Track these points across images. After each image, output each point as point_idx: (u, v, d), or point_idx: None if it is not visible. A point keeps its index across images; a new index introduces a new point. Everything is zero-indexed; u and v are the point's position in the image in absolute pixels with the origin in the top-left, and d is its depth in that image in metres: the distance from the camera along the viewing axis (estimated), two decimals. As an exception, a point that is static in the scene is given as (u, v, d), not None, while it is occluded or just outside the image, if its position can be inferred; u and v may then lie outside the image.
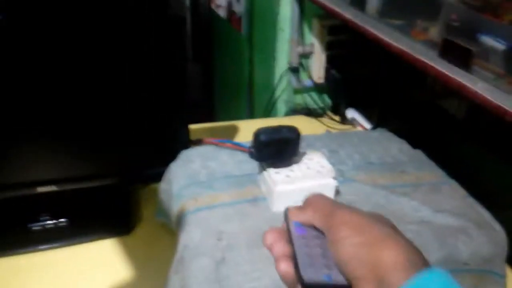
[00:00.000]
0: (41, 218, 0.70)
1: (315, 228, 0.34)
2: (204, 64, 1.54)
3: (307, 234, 0.34)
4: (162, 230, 0.71)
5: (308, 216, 0.34)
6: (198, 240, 0.50)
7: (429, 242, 0.51)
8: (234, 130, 0.98)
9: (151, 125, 0.69)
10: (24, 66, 0.59)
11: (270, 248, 0.35)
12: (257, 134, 0.52)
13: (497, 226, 0.55)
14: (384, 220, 0.32)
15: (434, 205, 0.56)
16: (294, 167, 0.55)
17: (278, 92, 1.15)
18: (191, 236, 0.51)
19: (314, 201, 0.35)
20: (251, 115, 1.23)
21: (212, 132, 0.98)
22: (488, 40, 0.46)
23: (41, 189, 0.68)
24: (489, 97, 0.43)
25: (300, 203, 0.54)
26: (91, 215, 0.72)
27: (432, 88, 0.84)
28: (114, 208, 0.74)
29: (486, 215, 0.56)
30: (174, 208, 0.58)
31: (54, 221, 0.70)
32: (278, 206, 0.54)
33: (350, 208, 0.33)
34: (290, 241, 0.34)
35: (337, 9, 0.73)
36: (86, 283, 0.63)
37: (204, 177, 0.61)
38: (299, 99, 1.13)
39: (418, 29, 0.59)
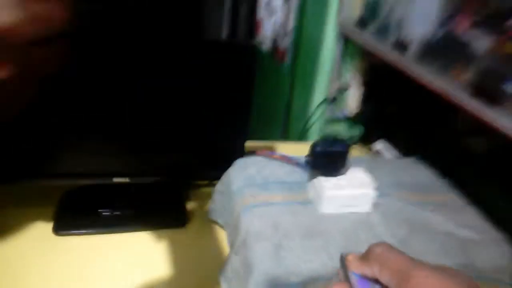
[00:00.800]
0: (111, 206, 0.81)
1: (378, 283, 0.30)
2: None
3: None
4: (213, 227, 0.81)
5: (373, 270, 0.31)
6: (259, 228, 0.60)
7: (453, 250, 0.60)
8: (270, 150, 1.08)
9: (216, 139, 0.80)
10: (118, 82, 0.72)
11: None
12: (314, 145, 0.63)
13: (509, 245, 0.64)
14: (471, 283, 0.28)
15: (458, 221, 0.65)
16: (340, 177, 0.66)
17: (313, 120, 1.26)
18: (253, 224, 0.61)
19: (381, 253, 0.31)
20: (285, 138, 1.34)
21: (251, 149, 1.10)
22: (512, 86, 0.57)
23: (116, 180, 0.79)
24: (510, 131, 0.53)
25: (344, 208, 0.64)
26: (153, 208, 0.83)
27: (457, 127, 0.94)
28: (173, 204, 0.85)
29: (500, 235, 0.65)
30: (234, 204, 0.69)
31: (122, 210, 0.81)
32: (326, 208, 0.64)
33: (428, 268, 0.28)
34: None
35: (381, 52, 0.85)
36: (143, 265, 0.72)
37: (259, 181, 0.72)
38: (332, 128, 1.24)
39: (453, 71, 0.70)
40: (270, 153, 0.81)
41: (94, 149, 0.76)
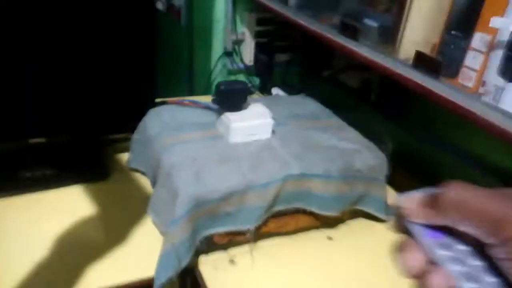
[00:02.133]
0: (30, 167, 0.84)
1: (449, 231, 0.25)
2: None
3: (448, 242, 0.25)
4: (134, 176, 0.89)
5: (447, 219, 0.25)
6: (180, 161, 0.70)
7: (335, 157, 0.76)
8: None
9: (126, 89, 0.86)
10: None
11: (421, 279, 0.25)
12: (219, 85, 0.73)
13: (379, 150, 0.81)
14: None
15: (339, 137, 0.81)
16: (244, 111, 0.77)
17: (214, 74, 1.36)
18: (174, 159, 0.70)
19: (457, 198, 0.25)
20: (191, 94, 1.43)
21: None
22: (368, 21, 0.72)
23: (32, 141, 0.82)
24: (368, 55, 0.69)
25: (249, 137, 0.76)
26: (74, 164, 0.88)
27: (335, 66, 1.11)
28: (93, 159, 0.90)
29: (372, 144, 0.83)
30: (154, 147, 0.77)
31: (42, 170, 0.84)
32: (234, 138, 0.75)
33: None
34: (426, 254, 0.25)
35: (267, 3, 0.96)
36: (69, 220, 0.76)
37: (174, 124, 0.80)
38: (233, 79, 1.35)
39: (325, 17, 0.84)
40: (180, 100, 0.90)
41: (3, 110, 0.78)
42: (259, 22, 1.24)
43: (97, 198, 0.83)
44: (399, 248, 0.27)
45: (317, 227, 0.79)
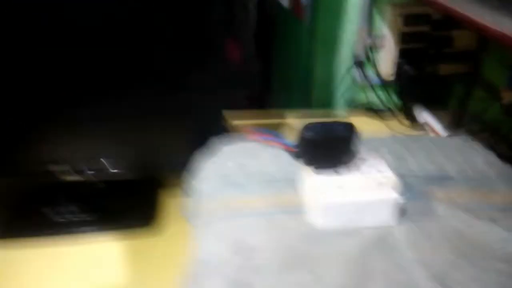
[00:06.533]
0: (58, 207, 0.65)
1: None
2: (265, 58, 1.49)
3: None
4: (184, 229, 0.63)
5: None
6: (213, 256, 0.40)
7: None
8: (287, 125, 0.89)
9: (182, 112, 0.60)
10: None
11: None
12: (303, 130, 0.41)
13: None
14: None
15: (534, 239, 0.42)
16: (348, 174, 0.44)
17: (339, 88, 1.05)
18: (211, 251, 0.41)
19: None
20: (309, 107, 1.15)
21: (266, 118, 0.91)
22: None
23: (69, 178, 0.62)
24: None
25: (351, 221, 0.43)
26: (111, 206, 0.66)
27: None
28: (140, 200, 0.68)
29: None
30: (202, 210, 0.49)
31: (78, 210, 0.65)
32: (322, 221, 0.43)
33: None
34: None
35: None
36: (94, 277, 0.58)
37: (237, 178, 0.51)
38: (363, 97, 1.01)
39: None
40: (263, 138, 0.60)
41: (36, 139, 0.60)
42: (408, 21, 0.88)
43: (133, 252, 0.61)
44: None
45: None
